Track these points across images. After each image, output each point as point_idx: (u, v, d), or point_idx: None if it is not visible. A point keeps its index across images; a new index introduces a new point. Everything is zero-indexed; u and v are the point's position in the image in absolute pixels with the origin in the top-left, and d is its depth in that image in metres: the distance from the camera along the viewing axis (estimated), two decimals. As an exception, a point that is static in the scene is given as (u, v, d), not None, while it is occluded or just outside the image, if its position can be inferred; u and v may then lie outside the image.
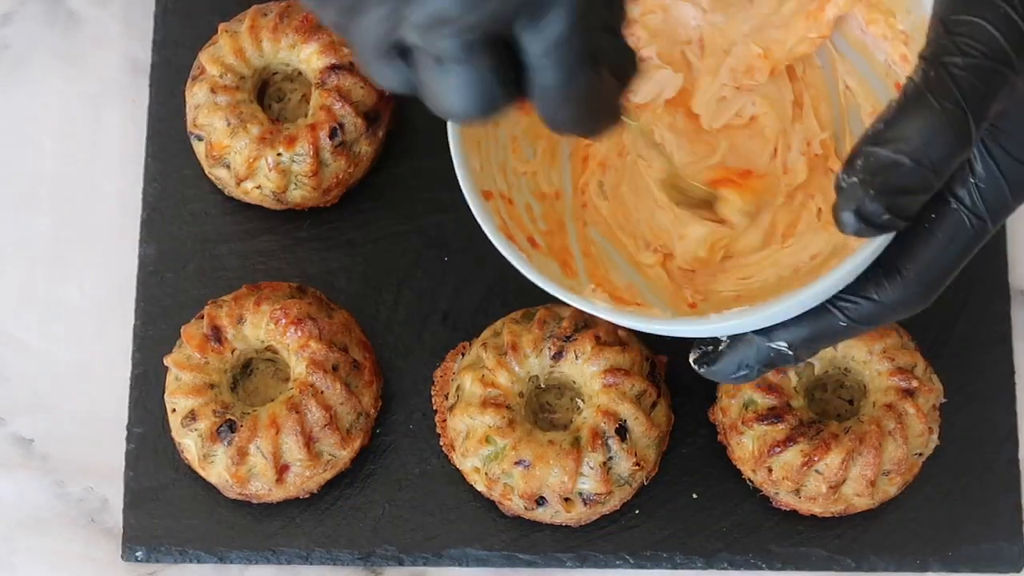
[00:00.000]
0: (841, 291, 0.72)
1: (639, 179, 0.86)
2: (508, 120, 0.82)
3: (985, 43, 0.65)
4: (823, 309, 0.72)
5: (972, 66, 0.65)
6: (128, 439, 0.95)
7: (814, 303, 0.72)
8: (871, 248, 0.69)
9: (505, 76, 0.61)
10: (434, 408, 0.94)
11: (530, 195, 0.82)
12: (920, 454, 0.91)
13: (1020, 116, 0.68)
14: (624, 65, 0.65)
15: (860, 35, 0.82)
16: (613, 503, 0.91)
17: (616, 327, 0.91)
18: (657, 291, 0.82)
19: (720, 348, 0.76)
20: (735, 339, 0.76)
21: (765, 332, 0.74)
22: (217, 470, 0.91)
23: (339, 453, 0.92)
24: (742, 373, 0.76)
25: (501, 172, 0.81)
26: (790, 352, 0.74)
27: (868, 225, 0.66)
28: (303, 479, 0.91)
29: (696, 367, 0.78)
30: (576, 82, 0.61)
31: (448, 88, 0.62)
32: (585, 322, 0.91)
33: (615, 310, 0.75)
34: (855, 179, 0.65)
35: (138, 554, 0.93)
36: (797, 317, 0.73)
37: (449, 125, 0.78)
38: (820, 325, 0.73)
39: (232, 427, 0.90)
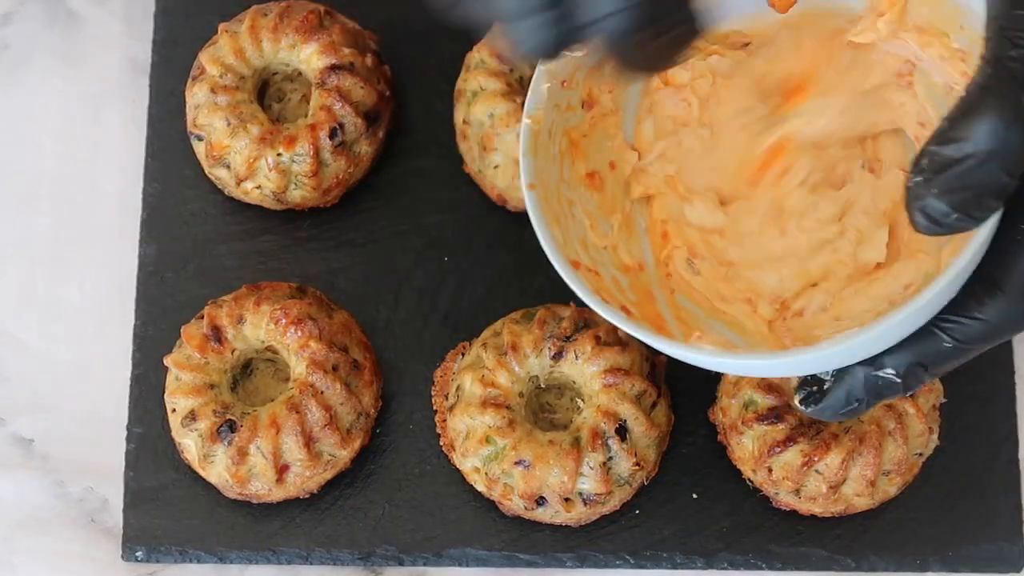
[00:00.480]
0: (943, 311, 0.70)
1: (732, 250, 0.85)
2: (582, 197, 0.83)
3: None
4: (927, 332, 0.71)
5: None
6: (128, 439, 0.95)
7: (919, 322, 0.70)
8: (964, 260, 0.68)
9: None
10: (434, 408, 0.95)
11: (614, 268, 0.82)
12: (920, 454, 0.91)
13: None
14: (687, 31, 0.66)
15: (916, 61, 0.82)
16: (613, 503, 0.91)
17: (617, 327, 0.91)
18: (756, 343, 0.81)
19: (825, 386, 0.75)
20: (840, 373, 0.74)
21: (870, 362, 0.73)
22: (217, 470, 0.91)
23: (339, 453, 0.92)
24: (851, 407, 0.74)
25: (583, 247, 0.81)
26: (898, 380, 0.72)
27: (937, 224, 0.65)
28: (303, 479, 0.91)
29: (803, 408, 0.76)
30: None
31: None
32: (585, 322, 0.91)
33: (724, 353, 0.74)
34: (920, 178, 0.65)
35: (138, 554, 0.93)
36: (901, 342, 0.72)
37: (527, 198, 0.79)
38: (926, 348, 0.71)
39: (232, 427, 0.90)
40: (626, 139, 0.86)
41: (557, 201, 0.81)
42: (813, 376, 0.76)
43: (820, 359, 0.72)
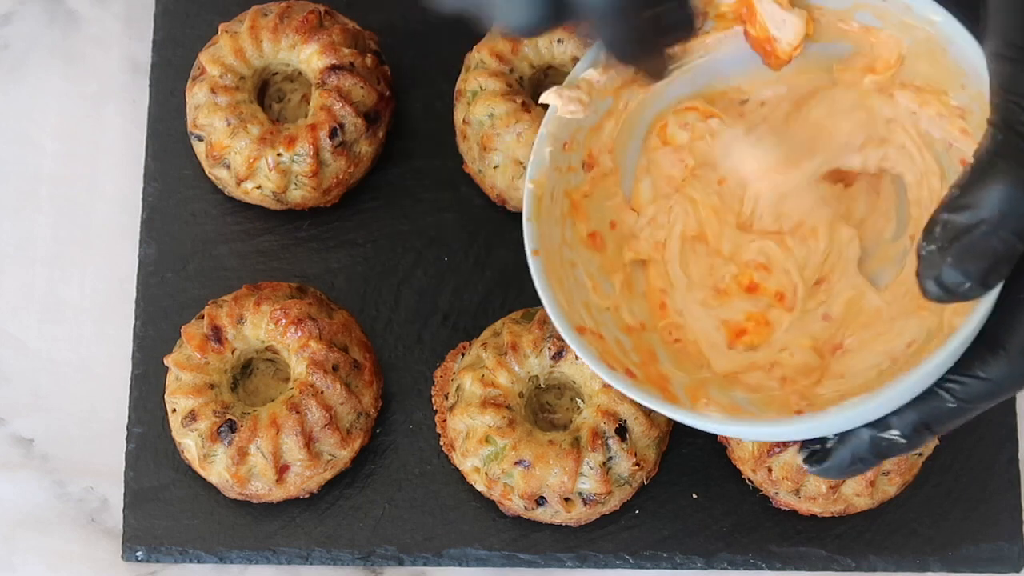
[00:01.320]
0: (947, 372, 0.71)
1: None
2: (583, 258, 0.83)
3: None
4: (931, 393, 0.71)
5: None
6: (128, 439, 0.95)
7: (925, 385, 0.71)
8: (973, 324, 0.68)
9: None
10: (434, 408, 0.94)
11: (617, 330, 0.82)
12: (920, 454, 0.91)
13: None
14: (680, 25, 0.67)
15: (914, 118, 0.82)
16: (613, 503, 0.91)
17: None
18: (762, 404, 0.81)
19: (828, 445, 0.75)
20: (845, 435, 0.74)
21: (875, 424, 0.73)
22: (217, 470, 0.91)
23: (339, 453, 0.92)
24: (856, 467, 0.74)
25: (586, 309, 0.82)
26: (903, 440, 0.73)
27: (950, 293, 0.66)
28: (303, 479, 0.91)
29: (807, 467, 0.76)
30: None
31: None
32: (585, 322, 0.91)
33: (731, 419, 0.74)
34: (933, 247, 0.66)
35: (138, 554, 0.93)
36: (905, 404, 0.72)
37: (532, 264, 0.79)
38: (929, 409, 0.71)
39: (232, 427, 0.90)
40: (625, 197, 0.86)
41: (560, 264, 0.82)
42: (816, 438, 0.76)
43: (827, 425, 0.72)
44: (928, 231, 0.66)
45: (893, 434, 0.72)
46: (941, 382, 0.71)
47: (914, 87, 0.80)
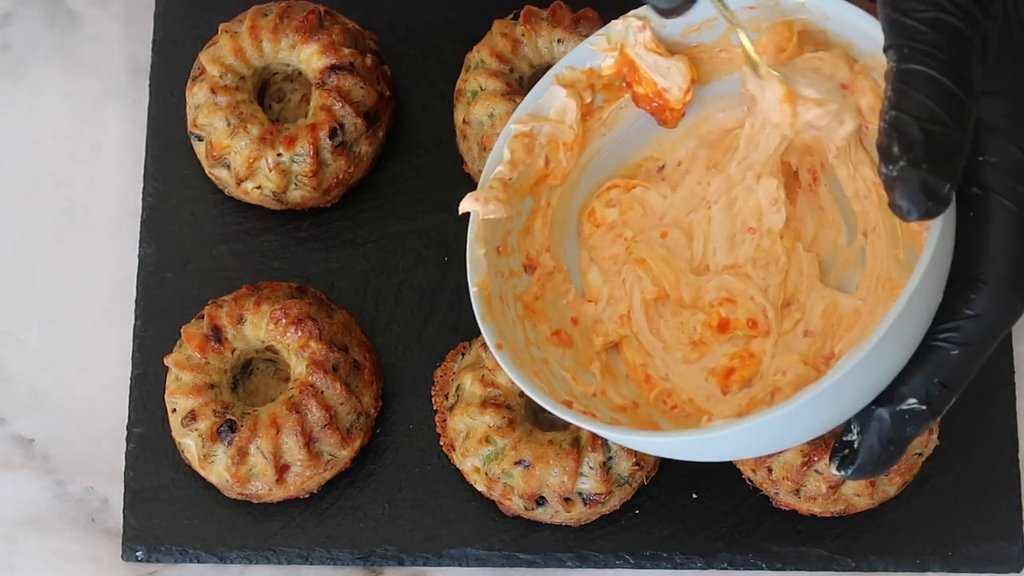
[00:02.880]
0: (937, 322, 0.71)
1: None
2: (554, 355, 0.83)
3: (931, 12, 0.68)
4: (930, 348, 0.71)
5: (931, 20, 0.68)
6: (128, 439, 0.95)
7: (915, 329, 0.70)
8: (930, 252, 0.68)
9: None
10: (434, 408, 0.95)
11: (610, 411, 0.82)
12: (920, 454, 0.91)
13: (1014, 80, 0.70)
14: None
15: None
16: (613, 503, 0.91)
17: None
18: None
19: (855, 443, 0.74)
20: (864, 424, 0.73)
21: (889, 399, 0.72)
22: (217, 470, 0.91)
23: (339, 453, 0.92)
24: (889, 451, 0.73)
25: (571, 397, 0.81)
26: (923, 406, 0.72)
27: (935, 201, 0.66)
28: (303, 479, 0.91)
29: (843, 473, 0.75)
30: None
31: None
32: (585, 322, 0.91)
33: (740, 422, 0.72)
34: (902, 162, 0.66)
35: (138, 554, 0.93)
36: (911, 369, 0.71)
37: (499, 358, 0.78)
38: (935, 365, 0.71)
39: (232, 427, 0.90)
40: (579, 293, 0.86)
41: (531, 361, 0.81)
42: (841, 440, 0.75)
43: (839, 389, 0.70)
44: (885, 153, 0.66)
45: (911, 403, 0.72)
46: (936, 335, 0.71)
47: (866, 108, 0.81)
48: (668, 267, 0.84)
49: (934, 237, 0.69)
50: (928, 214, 0.66)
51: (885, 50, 0.69)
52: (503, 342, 0.80)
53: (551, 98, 0.84)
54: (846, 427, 0.75)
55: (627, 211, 0.85)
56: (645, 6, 0.81)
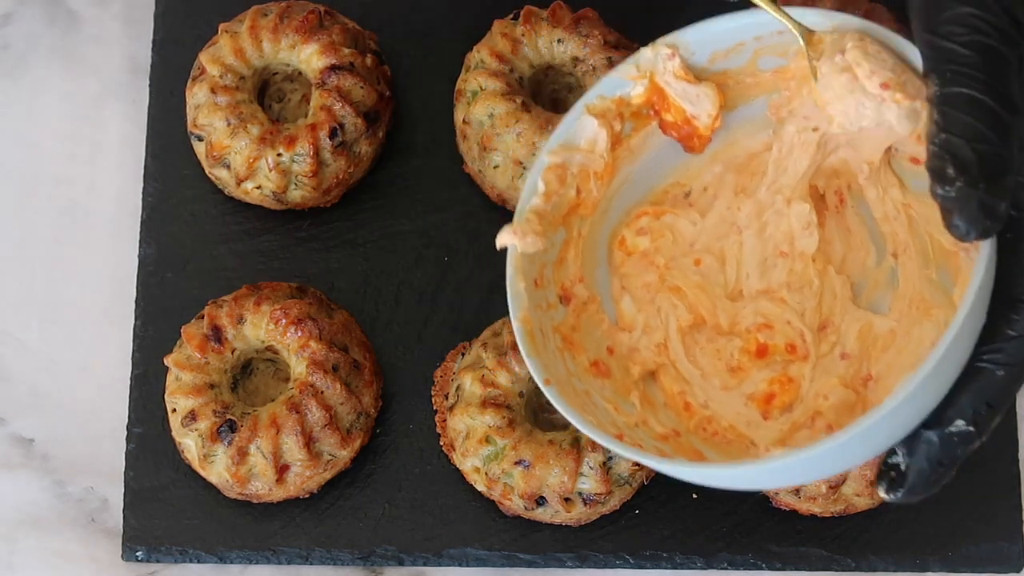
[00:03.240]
0: (981, 343, 0.71)
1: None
2: (594, 386, 0.82)
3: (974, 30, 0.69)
4: (976, 370, 0.71)
5: (971, 43, 0.69)
6: (128, 439, 0.95)
7: (962, 353, 0.71)
8: (979, 277, 0.69)
9: None
10: (434, 408, 0.95)
11: (653, 441, 0.82)
12: (920, 454, 0.91)
13: None
14: None
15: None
16: (613, 503, 0.91)
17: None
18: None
19: (902, 466, 0.74)
20: (912, 447, 0.73)
21: (935, 423, 0.72)
22: (217, 470, 0.91)
23: (339, 453, 0.92)
24: (939, 472, 0.73)
25: (615, 428, 0.81)
26: (971, 427, 0.72)
27: (993, 220, 0.67)
28: (303, 479, 0.91)
29: (893, 497, 0.75)
30: None
31: None
32: (585, 322, 0.91)
33: (798, 452, 0.72)
34: (959, 183, 0.67)
35: (138, 554, 0.93)
36: (955, 391, 0.72)
37: (548, 394, 0.78)
38: (981, 386, 0.71)
39: (232, 427, 0.90)
40: (612, 322, 0.85)
41: (575, 393, 0.81)
42: (887, 463, 0.75)
43: (894, 416, 0.70)
44: (939, 175, 0.68)
45: (959, 425, 0.72)
46: (980, 356, 0.71)
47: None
48: (703, 294, 0.84)
49: (983, 258, 0.69)
50: (986, 233, 0.67)
51: (926, 74, 0.70)
52: (550, 377, 0.79)
53: (582, 128, 0.83)
54: (891, 450, 0.74)
55: (658, 238, 0.85)
56: (673, 33, 0.81)
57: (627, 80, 0.83)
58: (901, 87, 0.74)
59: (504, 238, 0.81)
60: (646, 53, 0.82)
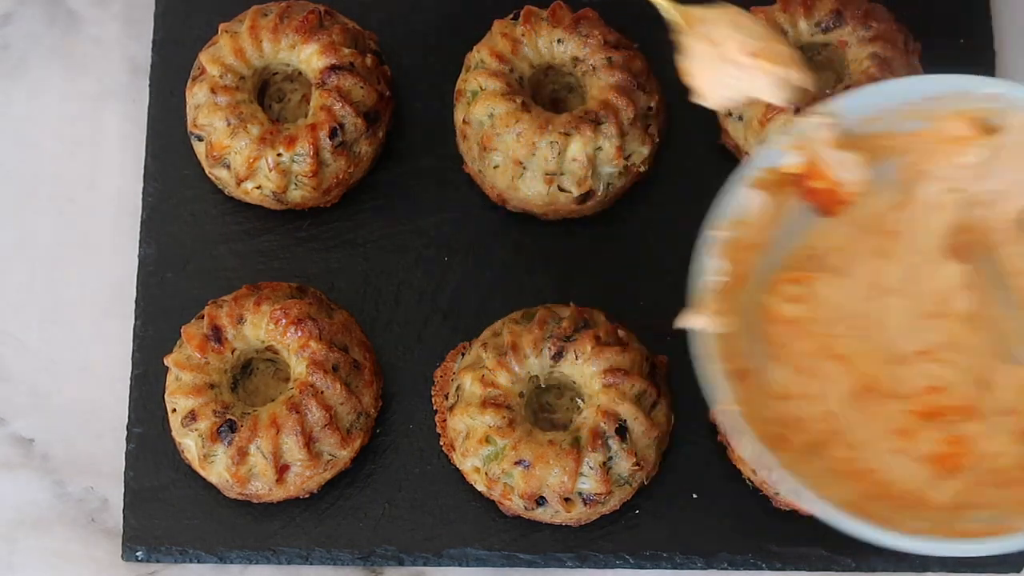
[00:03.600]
0: None
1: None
2: (784, 461, 0.80)
3: None
4: None
5: None
6: (128, 439, 0.95)
7: None
8: None
9: None
10: (434, 408, 0.95)
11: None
12: (921, 454, 0.91)
13: None
14: None
15: None
16: (613, 503, 0.91)
17: (616, 327, 0.91)
18: (1007, 512, 0.79)
19: None
20: None
21: None
22: (217, 470, 0.91)
23: (339, 453, 0.92)
24: None
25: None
26: None
27: None
28: (303, 479, 0.91)
29: None
30: None
31: None
32: (585, 322, 0.91)
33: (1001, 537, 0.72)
34: None
35: (138, 554, 0.93)
36: None
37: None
38: None
39: (232, 427, 0.90)
40: (768, 391, 0.83)
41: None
42: None
43: None
44: None
45: None
46: None
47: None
48: (867, 360, 0.83)
49: None
50: None
51: None
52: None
53: (747, 201, 0.82)
54: None
55: (806, 304, 0.84)
56: (832, 101, 0.81)
57: (784, 151, 0.82)
58: (770, 56, 0.73)
59: (693, 321, 0.79)
60: (804, 124, 0.81)
